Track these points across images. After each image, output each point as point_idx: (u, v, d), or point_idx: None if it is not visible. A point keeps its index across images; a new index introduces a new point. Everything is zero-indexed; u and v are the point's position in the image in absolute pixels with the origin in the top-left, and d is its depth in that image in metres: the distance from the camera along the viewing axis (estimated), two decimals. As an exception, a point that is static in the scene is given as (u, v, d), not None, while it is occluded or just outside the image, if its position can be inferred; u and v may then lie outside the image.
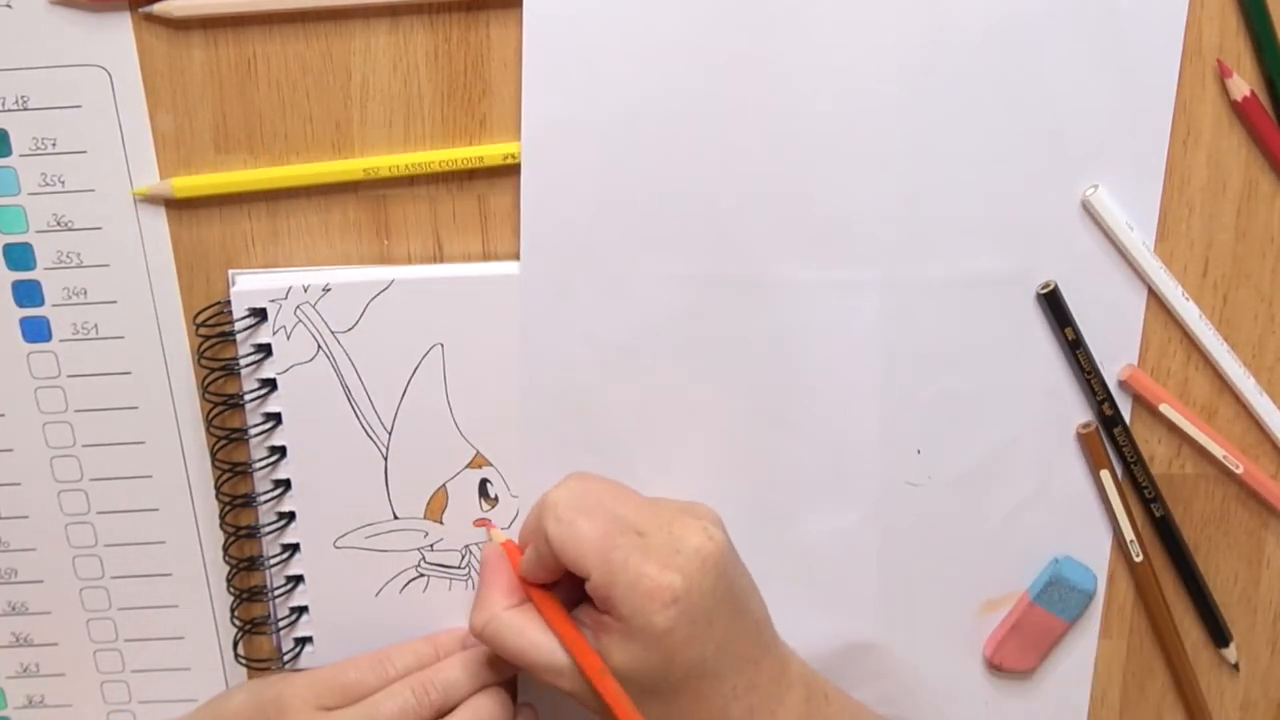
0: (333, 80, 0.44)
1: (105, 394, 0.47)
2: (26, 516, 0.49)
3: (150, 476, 0.48)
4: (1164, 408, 0.46)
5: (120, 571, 0.49)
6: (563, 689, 0.42)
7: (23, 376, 0.47)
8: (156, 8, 0.42)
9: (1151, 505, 0.48)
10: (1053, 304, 0.45)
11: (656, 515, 0.42)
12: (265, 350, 0.45)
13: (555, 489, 0.43)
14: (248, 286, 0.45)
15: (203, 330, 0.45)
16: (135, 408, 0.47)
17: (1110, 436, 0.47)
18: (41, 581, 0.49)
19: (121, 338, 0.46)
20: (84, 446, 0.48)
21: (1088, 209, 0.44)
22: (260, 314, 0.45)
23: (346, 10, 0.43)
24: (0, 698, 0.51)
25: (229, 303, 0.45)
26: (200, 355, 0.45)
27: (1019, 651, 0.49)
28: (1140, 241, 0.45)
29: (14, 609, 0.50)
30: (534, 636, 0.42)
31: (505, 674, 0.46)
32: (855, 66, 0.43)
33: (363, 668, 0.46)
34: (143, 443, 0.48)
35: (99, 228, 0.45)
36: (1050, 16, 0.43)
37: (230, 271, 0.46)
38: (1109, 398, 0.46)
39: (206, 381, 0.46)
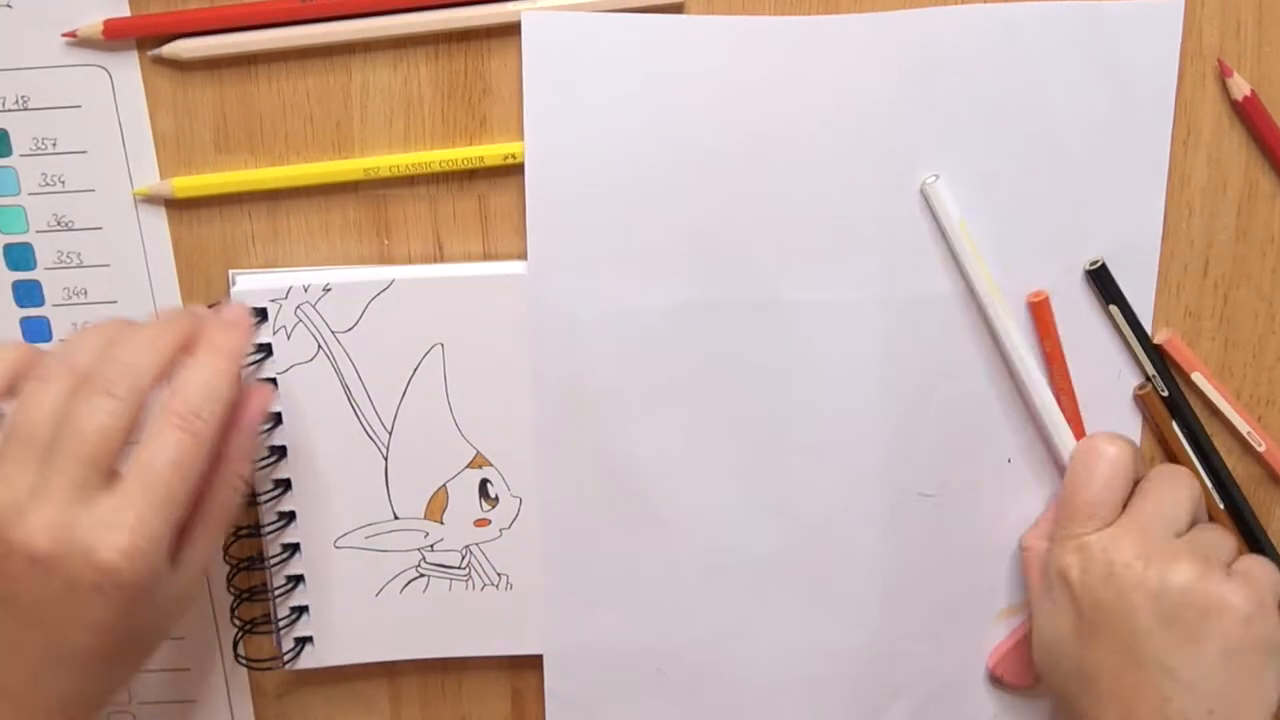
0: (333, 80, 0.44)
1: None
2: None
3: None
4: (1196, 376, 0.46)
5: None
6: None
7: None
8: (164, 50, 0.43)
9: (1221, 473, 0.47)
10: (1100, 280, 0.45)
11: None
12: (265, 350, 0.45)
13: None
14: (248, 286, 0.45)
15: (203, 330, 0.45)
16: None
17: (1173, 411, 0.46)
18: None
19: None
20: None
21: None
22: (260, 314, 0.45)
23: (349, 45, 0.43)
24: None
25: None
26: (200, 355, 0.45)
27: (1020, 666, 0.49)
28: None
29: None
30: None
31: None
32: (855, 85, 0.43)
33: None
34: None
35: (99, 228, 0.45)
36: (1044, 27, 0.42)
37: (230, 271, 0.46)
38: (1163, 370, 0.46)
39: (206, 381, 0.46)
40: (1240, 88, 0.43)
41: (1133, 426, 0.47)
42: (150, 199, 0.45)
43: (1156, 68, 0.43)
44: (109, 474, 0.37)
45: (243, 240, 0.46)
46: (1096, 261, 0.45)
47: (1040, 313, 0.45)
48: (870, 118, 0.43)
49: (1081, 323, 0.46)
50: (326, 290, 0.45)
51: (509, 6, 0.42)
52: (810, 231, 0.44)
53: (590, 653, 0.50)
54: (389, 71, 0.44)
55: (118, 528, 0.36)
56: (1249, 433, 0.47)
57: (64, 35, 0.42)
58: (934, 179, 0.43)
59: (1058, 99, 0.43)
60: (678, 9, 0.43)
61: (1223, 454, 0.47)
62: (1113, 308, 0.45)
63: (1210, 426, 0.47)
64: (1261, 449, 0.47)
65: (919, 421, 0.47)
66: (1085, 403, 0.47)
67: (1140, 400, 0.47)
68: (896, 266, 0.45)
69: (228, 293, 0.45)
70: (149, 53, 0.43)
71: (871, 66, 0.43)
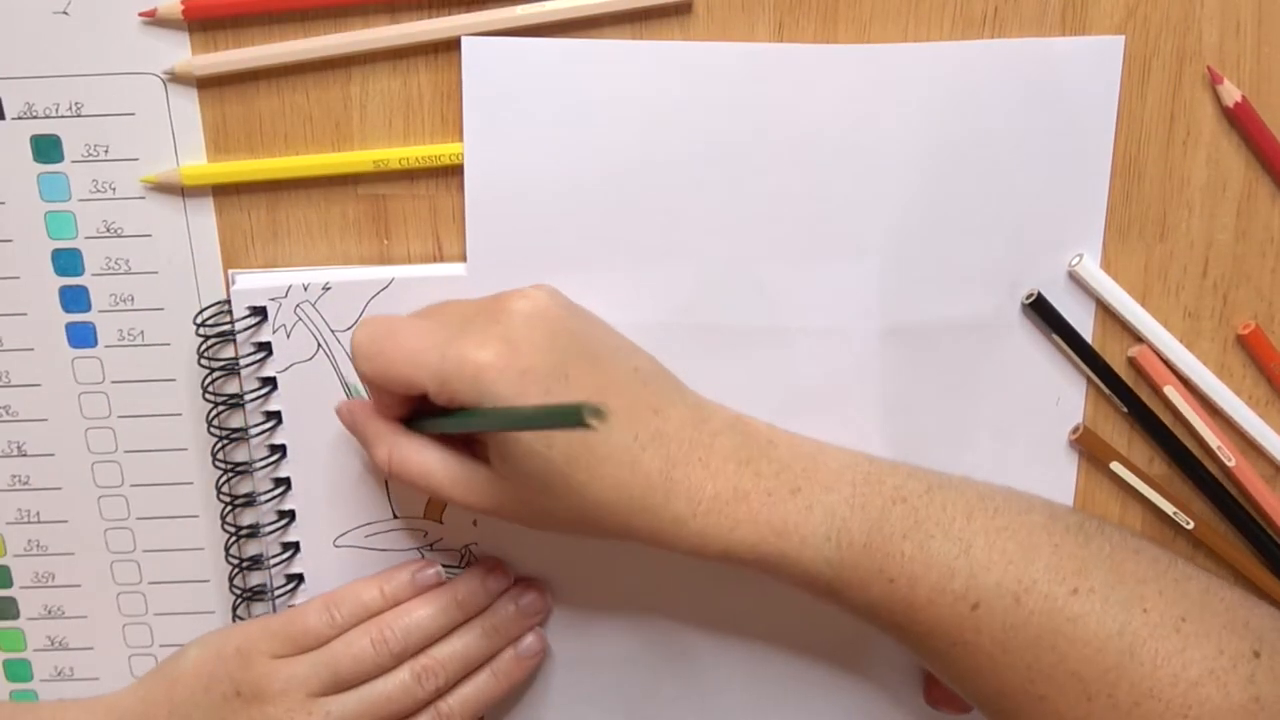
0: (332, 79, 0.44)
1: (149, 400, 0.47)
2: (67, 521, 0.49)
3: (192, 483, 0.49)
4: (1169, 390, 0.46)
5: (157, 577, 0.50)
6: (474, 505, 0.40)
7: (67, 382, 0.47)
8: (176, 67, 0.43)
9: (1200, 473, 0.47)
10: (1041, 311, 0.45)
11: (477, 305, 0.40)
12: (265, 349, 0.46)
13: (354, 333, 0.40)
14: (247, 285, 0.45)
15: (203, 330, 0.46)
16: (179, 414, 0.48)
17: (1144, 425, 0.47)
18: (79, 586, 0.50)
19: (168, 344, 0.47)
20: (126, 452, 0.48)
21: (1075, 279, 0.45)
22: (260, 312, 0.45)
23: (348, 56, 0.43)
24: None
25: (229, 302, 0.45)
26: (200, 355, 0.46)
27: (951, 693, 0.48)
28: (1132, 303, 0.45)
29: (50, 612, 0.50)
30: (434, 452, 0.41)
31: (469, 609, 0.46)
32: (804, 113, 0.43)
33: (310, 616, 0.45)
34: (186, 449, 0.48)
35: (149, 235, 0.45)
36: (996, 63, 0.43)
37: (230, 271, 0.46)
38: (1121, 388, 0.46)
39: (206, 381, 0.46)
40: (1231, 94, 0.43)
41: (1069, 466, 0.48)
42: (160, 188, 0.45)
43: (1099, 100, 0.44)
44: None
45: (242, 240, 0.46)
46: (1031, 294, 0.45)
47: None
48: (815, 146, 0.44)
49: (1022, 353, 0.46)
50: (326, 289, 0.45)
51: (503, 13, 0.43)
52: (743, 256, 0.45)
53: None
54: (389, 71, 0.44)
55: None
56: (1219, 448, 0.47)
57: (141, 14, 0.43)
58: (1078, 259, 0.44)
59: (1006, 130, 0.44)
60: (686, 9, 0.43)
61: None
62: (1055, 336, 0.46)
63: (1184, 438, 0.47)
64: (1231, 464, 0.47)
65: (911, 441, 0.47)
66: (1019, 439, 0.47)
67: (1077, 444, 0.47)
68: (826, 292, 0.45)
69: (227, 292, 0.45)
70: (162, 71, 0.43)
71: (822, 96, 0.43)
